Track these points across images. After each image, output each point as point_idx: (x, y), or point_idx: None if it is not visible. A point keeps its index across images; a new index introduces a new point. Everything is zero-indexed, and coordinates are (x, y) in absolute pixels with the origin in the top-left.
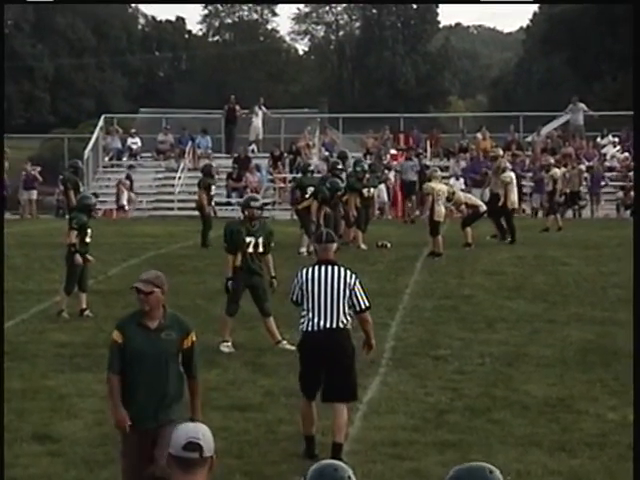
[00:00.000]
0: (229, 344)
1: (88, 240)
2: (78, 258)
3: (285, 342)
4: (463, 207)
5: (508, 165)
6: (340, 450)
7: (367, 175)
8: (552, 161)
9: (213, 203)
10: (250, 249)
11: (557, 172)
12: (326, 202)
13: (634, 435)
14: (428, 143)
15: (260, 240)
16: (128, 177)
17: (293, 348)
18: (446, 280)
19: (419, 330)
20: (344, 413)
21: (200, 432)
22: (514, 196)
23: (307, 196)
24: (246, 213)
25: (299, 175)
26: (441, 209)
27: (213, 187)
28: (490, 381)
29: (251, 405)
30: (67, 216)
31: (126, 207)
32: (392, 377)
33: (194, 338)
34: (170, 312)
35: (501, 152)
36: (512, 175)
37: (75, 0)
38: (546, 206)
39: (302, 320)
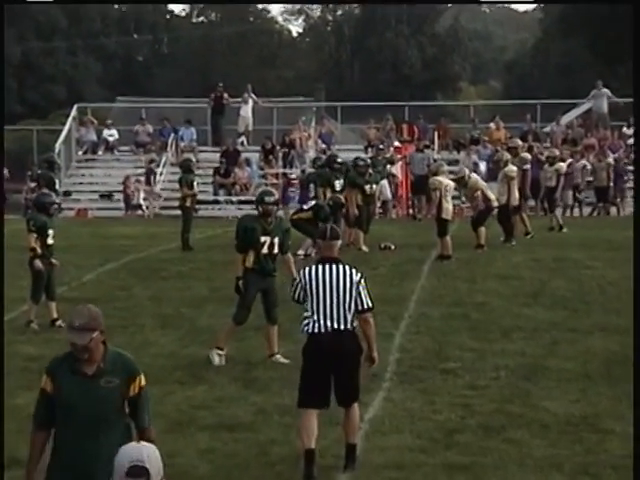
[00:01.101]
0: (222, 353)
1: (50, 242)
2: (38, 264)
3: (279, 355)
4: (479, 194)
5: (528, 156)
6: (355, 450)
7: (369, 170)
8: (557, 153)
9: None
10: (265, 249)
11: (563, 166)
12: (362, 188)
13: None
14: (435, 134)
15: (276, 240)
16: (148, 173)
17: (287, 362)
18: (456, 285)
19: (426, 341)
20: (357, 413)
21: (145, 454)
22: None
23: (306, 207)
24: (260, 209)
25: (316, 169)
26: (449, 206)
27: (195, 184)
28: (505, 397)
29: (241, 424)
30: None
31: (144, 206)
32: (397, 393)
33: (143, 382)
34: (112, 351)
35: (520, 143)
36: (515, 169)
37: (75, 0)
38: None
39: (306, 322)
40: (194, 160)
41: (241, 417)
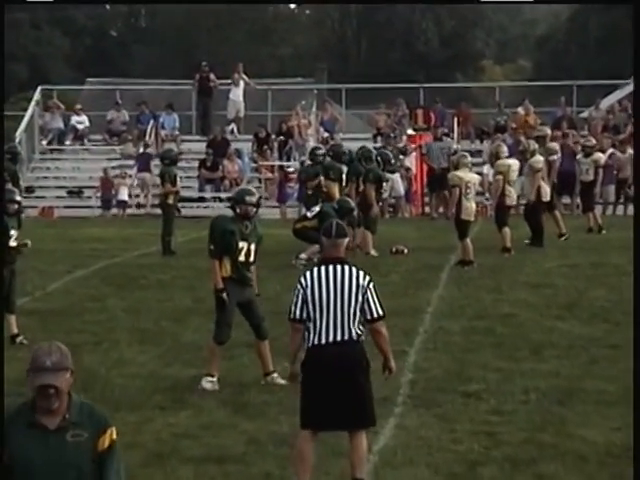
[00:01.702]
0: (214, 380)
1: (13, 244)
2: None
3: (276, 375)
4: (500, 179)
5: (556, 146)
6: None
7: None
8: (594, 142)
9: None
10: (242, 257)
11: (601, 157)
12: (380, 182)
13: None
14: (455, 121)
15: (252, 247)
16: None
17: (285, 382)
18: (479, 295)
19: (445, 359)
20: (364, 442)
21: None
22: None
23: (310, 215)
24: (238, 210)
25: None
26: (470, 205)
27: (179, 179)
28: (536, 424)
29: (231, 456)
30: None
31: (129, 203)
32: (411, 419)
33: (114, 436)
34: (76, 400)
35: (549, 131)
36: (542, 159)
37: (76, 0)
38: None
39: (306, 333)
40: (176, 151)
41: (231, 447)
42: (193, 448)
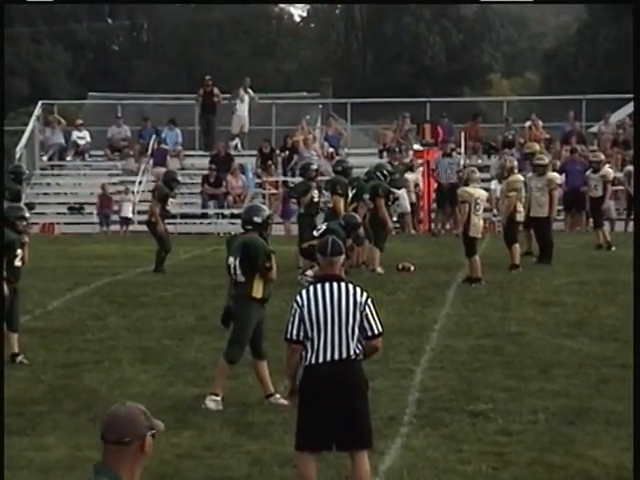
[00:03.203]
0: (218, 399)
1: (18, 264)
2: (4, 288)
3: (279, 396)
4: (514, 194)
5: (557, 178)
6: None
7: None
8: (602, 157)
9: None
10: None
11: (610, 172)
12: (387, 196)
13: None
14: (463, 135)
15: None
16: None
17: (288, 403)
18: (487, 313)
19: (452, 378)
20: (365, 464)
21: None
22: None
23: (317, 234)
24: (264, 230)
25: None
26: (478, 222)
27: (170, 200)
28: (545, 444)
29: (235, 477)
30: None
31: (132, 219)
32: (417, 439)
33: None
34: None
35: (537, 147)
36: (558, 177)
37: (76, 0)
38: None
39: (304, 353)
40: (174, 170)
41: (234, 469)
42: (196, 469)
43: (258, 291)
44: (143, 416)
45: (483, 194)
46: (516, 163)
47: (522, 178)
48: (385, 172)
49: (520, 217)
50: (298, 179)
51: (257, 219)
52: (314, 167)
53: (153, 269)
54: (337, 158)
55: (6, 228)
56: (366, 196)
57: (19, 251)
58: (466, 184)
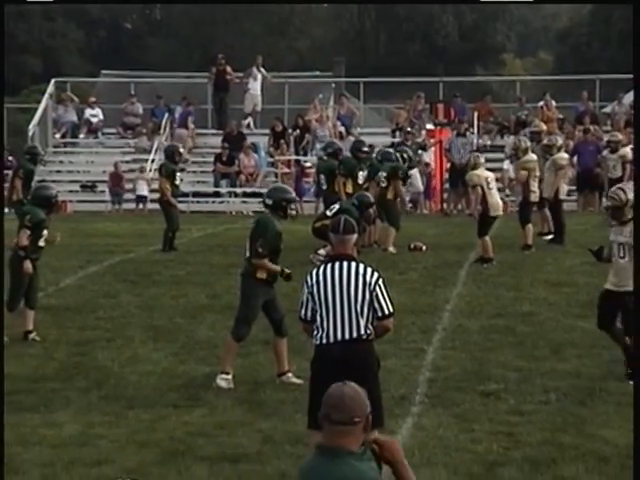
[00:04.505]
0: (229, 377)
1: (42, 244)
2: (29, 265)
3: (291, 374)
4: (525, 174)
5: (564, 158)
6: None
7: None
8: (620, 137)
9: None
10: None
11: (628, 152)
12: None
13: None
14: (475, 115)
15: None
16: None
17: (300, 382)
18: (498, 293)
19: (463, 358)
20: None
21: None
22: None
23: (330, 213)
24: (282, 212)
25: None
26: (496, 201)
27: (178, 174)
28: (556, 424)
29: (246, 455)
30: (8, 210)
31: (149, 198)
32: (429, 418)
33: None
34: None
35: (544, 127)
36: (567, 157)
37: (76, 0)
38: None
39: (314, 331)
40: (183, 148)
41: (246, 446)
42: (208, 447)
43: (262, 272)
44: (365, 395)
45: (491, 174)
46: (529, 144)
47: (535, 158)
48: (405, 156)
49: (534, 197)
50: (310, 157)
51: (268, 200)
52: (337, 146)
53: (161, 248)
54: (353, 139)
55: (38, 207)
56: (383, 174)
57: (45, 232)
58: (474, 168)
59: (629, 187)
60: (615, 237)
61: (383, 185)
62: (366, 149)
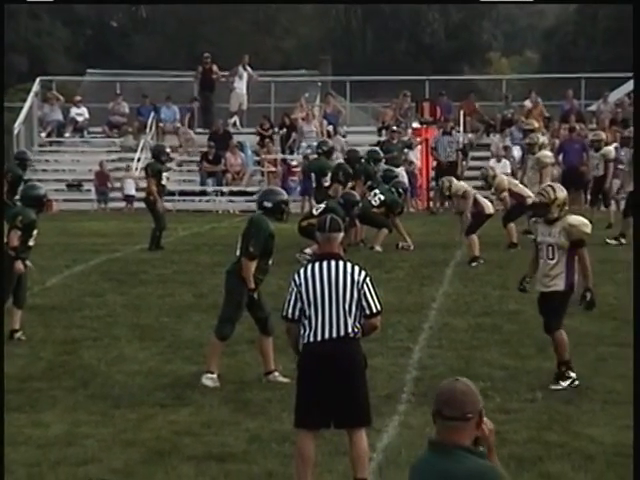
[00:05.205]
0: (214, 377)
1: (32, 244)
2: (20, 265)
3: (277, 373)
4: (505, 195)
5: (548, 156)
6: None
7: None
8: (603, 136)
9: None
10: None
11: (611, 151)
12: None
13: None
14: (462, 113)
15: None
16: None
17: (287, 380)
18: (485, 292)
19: (450, 356)
20: (364, 441)
21: None
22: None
23: (316, 212)
24: (279, 215)
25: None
26: (486, 201)
27: (165, 174)
28: (543, 423)
29: (233, 454)
30: None
31: (136, 196)
32: (415, 417)
33: None
34: None
35: (537, 124)
36: (551, 155)
37: (75, 0)
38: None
39: (302, 330)
40: (168, 147)
41: (232, 446)
42: (194, 446)
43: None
44: (477, 390)
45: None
46: (545, 139)
47: (551, 154)
48: (401, 191)
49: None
50: (296, 156)
51: (267, 204)
52: (330, 144)
53: (148, 247)
54: (322, 139)
55: (29, 208)
56: (380, 197)
57: (35, 232)
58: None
59: (560, 187)
60: (543, 238)
61: (374, 204)
62: (360, 157)
